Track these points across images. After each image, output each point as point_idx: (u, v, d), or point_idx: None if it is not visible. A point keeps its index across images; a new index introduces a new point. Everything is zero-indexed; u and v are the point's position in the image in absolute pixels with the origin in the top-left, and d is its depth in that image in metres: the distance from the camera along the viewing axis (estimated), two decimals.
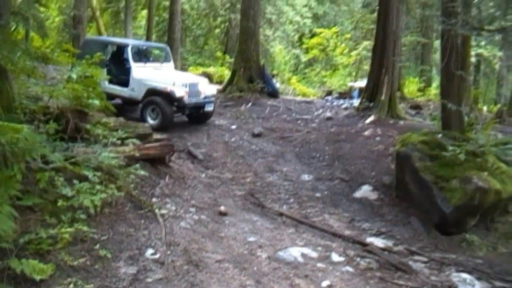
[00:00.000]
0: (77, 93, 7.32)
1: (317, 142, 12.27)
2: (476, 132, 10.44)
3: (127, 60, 12.65)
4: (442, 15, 10.06)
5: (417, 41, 25.22)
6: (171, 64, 13.59)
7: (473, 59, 24.38)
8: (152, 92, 11.85)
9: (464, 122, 10.50)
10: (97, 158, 6.29)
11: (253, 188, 9.45)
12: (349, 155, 11.41)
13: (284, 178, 10.25)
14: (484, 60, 27.41)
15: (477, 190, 8.16)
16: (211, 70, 23.23)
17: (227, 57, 25.79)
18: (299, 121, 14.36)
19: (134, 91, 12.24)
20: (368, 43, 23.62)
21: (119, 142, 7.19)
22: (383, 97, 14.68)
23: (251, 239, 6.66)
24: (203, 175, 9.52)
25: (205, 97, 12.48)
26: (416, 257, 7.23)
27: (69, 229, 5.09)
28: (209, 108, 12.76)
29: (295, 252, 6.37)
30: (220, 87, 17.99)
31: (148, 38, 24.49)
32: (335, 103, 18.03)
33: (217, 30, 32.51)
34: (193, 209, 7.38)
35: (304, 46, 31.20)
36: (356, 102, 16.94)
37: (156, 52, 15.60)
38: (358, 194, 9.71)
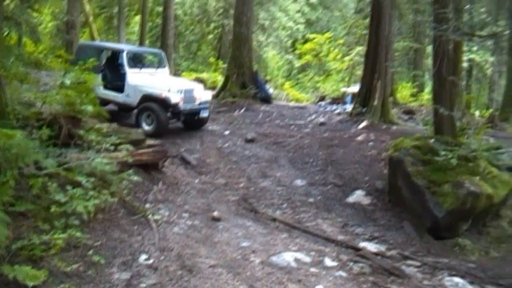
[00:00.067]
0: (70, 99, 7.32)
1: (310, 147, 12.29)
2: (468, 137, 10.51)
3: (122, 65, 12.57)
4: (433, 21, 10.14)
5: (409, 46, 25.34)
6: (166, 69, 13.51)
7: (465, 64, 24.56)
8: (147, 98, 11.78)
9: (456, 127, 10.58)
10: (90, 164, 6.28)
11: (246, 194, 9.46)
12: (342, 160, 11.43)
13: (277, 183, 10.26)
14: (476, 65, 27.62)
15: (469, 194, 8.21)
16: (204, 76, 23.20)
17: (220, 62, 25.80)
18: (292, 127, 14.39)
19: (129, 97, 12.18)
20: (361, 49, 23.68)
21: (112, 148, 7.18)
22: (375, 102, 14.74)
23: (245, 244, 6.66)
24: (197, 181, 9.53)
25: (200, 103, 12.41)
26: (409, 262, 7.26)
27: (62, 235, 5.07)
28: (204, 114, 12.73)
29: (288, 257, 6.38)
30: (213, 92, 17.99)
31: (141, 44, 24.47)
32: (328, 109, 18.08)
33: (210, 36, 32.53)
34: (186, 215, 7.39)
35: (297, 51, 31.26)
36: (349, 107, 16.99)
37: (151, 57, 15.53)
38: (351, 199, 9.74)
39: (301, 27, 31.88)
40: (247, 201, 8.99)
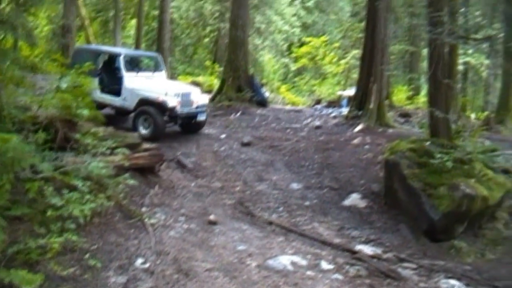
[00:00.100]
0: (66, 102, 7.31)
1: (306, 150, 12.31)
2: (464, 140, 10.54)
3: (119, 69, 12.50)
4: (428, 24, 10.18)
5: (405, 49, 25.41)
6: (163, 73, 13.46)
7: (460, 67, 24.64)
8: (145, 101, 11.76)
9: (451, 129, 10.62)
10: (86, 167, 6.28)
11: (242, 197, 9.46)
12: (338, 163, 11.46)
13: (273, 186, 10.26)
14: (472, 68, 27.69)
15: (465, 197, 8.24)
16: (200, 79, 23.21)
17: (216, 66, 25.78)
18: (288, 130, 14.40)
19: (126, 101, 12.15)
20: (357, 52, 23.73)
21: (108, 151, 7.18)
22: (371, 106, 14.78)
23: (241, 247, 6.67)
24: (193, 184, 9.53)
25: (198, 107, 12.39)
26: (405, 264, 7.28)
27: (58, 239, 5.08)
28: (201, 117, 12.71)
29: (284, 261, 6.39)
30: (209, 96, 17.99)
31: (137, 48, 24.48)
32: (324, 112, 18.11)
33: (206, 40, 32.54)
34: (182, 218, 7.39)
35: (293, 55, 31.30)
36: (345, 110, 17.02)
37: (148, 61, 15.52)
38: (347, 202, 9.75)
39: (297, 30, 31.94)
40: (243, 204, 8.99)
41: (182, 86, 13.70)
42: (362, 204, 9.67)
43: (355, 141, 12.80)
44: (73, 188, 5.90)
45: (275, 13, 29.81)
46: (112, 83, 12.64)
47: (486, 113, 21.64)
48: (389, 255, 7.61)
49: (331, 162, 11.56)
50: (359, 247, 7.72)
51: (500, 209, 9.08)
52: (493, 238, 8.53)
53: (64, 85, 7.63)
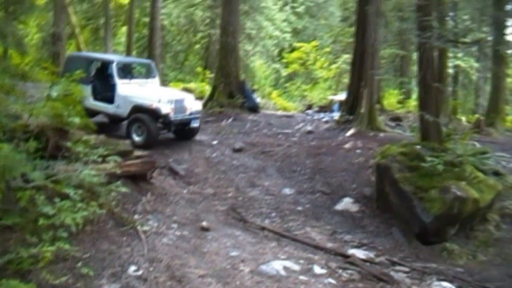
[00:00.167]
0: (57, 111, 7.29)
1: (298, 156, 12.34)
2: (455, 143, 10.61)
3: (112, 76, 12.48)
4: (417, 29, 10.24)
5: (396, 53, 25.54)
6: (156, 80, 13.44)
7: (450, 71, 24.78)
8: (138, 109, 11.72)
9: (442, 133, 10.69)
10: (78, 176, 6.26)
11: (235, 203, 9.48)
12: (330, 168, 11.49)
13: (265, 192, 10.28)
14: (462, 71, 27.86)
15: (456, 199, 8.30)
16: (191, 85, 23.21)
17: (208, 72, 25.79)
18: (280, 136, 14.43)
19: (119, 108, 12.12)
20: (347, 57, 23.80)
21: (100, 159, 7.16)
22: (362, 110, 14.82)
23: (234, 253, 6.68)
24: (185, 191, 9.53)
25: (191, 113, 12.36)
26: (398, 267, 7.33)
27: (50, 248, 5.05)
28: (195, 124, 12.69)
29: (277, 266, 6.40)
30: (201, 102, 17.99)
31: (128, 55, 24.46)
32: (315, 117, 18.15)
33: (197, 46, 32.55)
34: (175, 225, 7.39)
35: (284, 60, 31.35)
36: (336, 115, 17.06)
37: (141, 68, 15.45)
38: (339, 206, 9.79)
39: (288, 36, 31.99)
40: (235, 210, 9.00)
41: (175, 92, 13.67)
42: (354, 208, 9.71)
43: (347, 145, 12.84)
44: (65, 197, 5.87)
45: (266, 19, 29.86)
46: (105, 91, 12.61)
47: (476, 116, 21.77)
48: (381, 258, 7.65)
49: (323, 166, 11.59)
50: (351, 251, 7.75)
51: (491, 211, 9.14)
52: (485, 240, 8.59)
53: (55, 93, 7.61)
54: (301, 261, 6.79)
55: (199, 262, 6.16)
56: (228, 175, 10.95)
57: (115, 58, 13.55)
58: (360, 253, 7.67)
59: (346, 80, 22.20)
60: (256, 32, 29.43)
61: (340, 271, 6.72)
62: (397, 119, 18.67)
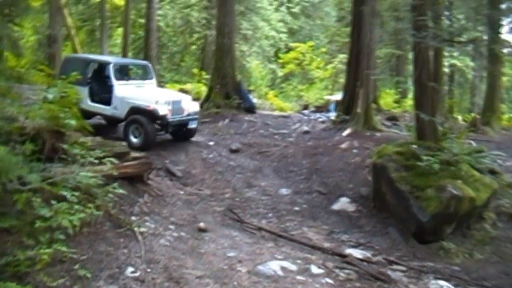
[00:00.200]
0: (54, 113, 7.29)
1: (295, 156, 12.36)
2: (451, 142, 10.63)
3: (109, 78, 12.49)
4: (412, 28, 10.26)
5: (391, 53, 25.59)
6: (153, 81, 13.44)
7: (446, 70, 24.85)
8: (135, 110, 11.71)
9: (438, 132, 10.70)
10: (75, 178, 6.26)
11: (232, 204, 9.49)
12: (327, 168, 11.51)
13: (262, 193, 10.30)
14: (458, 70, 27.94)
15: (452, 198, 8.32)
16: (188, 87, 23.23)
17: (204, 73, 25.83)
18: (276, 136, 14.46)
19: (117, 110, 12.11)
20: (343, 57, 23.89)
21: (96, 161, 7.17)
22: (359, 110, 14.85)
23: (231, 254, 6.68)
24: (182, 192, 9.54)
25: (189, 114, 12.37)
26: (395, 267, 7.34)
27: (47, 250, 5.04)
28: (192, 125, 12.69)
29: (274, 266, 6.39)
30: (198, 103, 18.00)
31: (124, 56, 24.47)
32: (312, 117, 18.20)
33: (193, 47, 32.59)
34: (172, 226, 7.39)
35: (280, 60, 31.43)
36: (333, 115, 17.10)
37: (138, 69, 15.38)
38: (336, 206, 9.81)
39: (284, 36, 32.05)
40: (232, 211, 9.01)
41: (172, 94, 13.67)
42: (351, 208, 9.72)
43: (343, 145, 12.86)
44: (61, 199, 5.87)
45: (262, 19, 29.93)
46: (103, 92, 12.62)
47: (472, 114, 21.84)
48: (378, 258, 7.65)
49: (320, 167, 11.62)
50: (348, 251, 7.75)
51: (487, 210, 9.16)
52: (481, 238, 8.61)
53: (51, 96, 7.61)
54: (298, 261, 6.79)
55: (196, 263, 6.16)
56: (225, 176, 10.97)
57: (112, 59, 13.55)
58: (357, 253, 7.67)
59: (342, 80, 22.20)
60: (252, 33, 29.49)
61: (337, 270, 6.72)
62: (393, 118, 18.72)
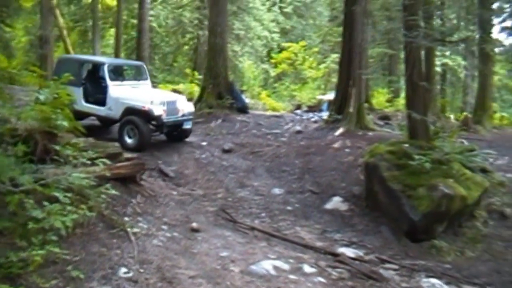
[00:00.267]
0: (46, 114, 7.28)
1: (287, 156, 12.39)
2: (443, 140, 10.69)
3: (103, 78, 12.45)
4: (404, 28, 10.31)
5: (384, 52, 25.68)
6: (148, 81, 13.40)
7: (438, 69, 24.95)
8: (130, 111, 11.67)
9: (429, 131, 10.76)
10: (67, 179, 6.25)
11: (224, 204, 9.51)
12: (319, 167, 11.54)
13: (255, 192, 10.32)
14: (450, 70, 28.06)
15: (444, 197, 8.37)
16: (180, 87, 23.21)
17: (196, 73, 25.83)
18: (269, 136, 14.48)
19: (111, 110, 12.07)
20: (336, 56, 23.93)
21: (89, 162, 7.16)
22: (351, 109, 14.89)
23: (224, 254, 6.70)
24: (175, 193, 9.54)
25: (184, 115, 12.35)
26: (387, 265, 7.37)
27: (40, 252, 5.04)
28: (187, 126, 12.68)
29: (267, 265, 6.42)
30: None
31: (116, 57, 24.42)
32: (304, 117, 18.24)
33: (186, 47, 32.57)
34: (165, 227, 7.40)
35: (272, 60, 31.45)
36: (325, 115, 17.15)
37: (133, 70, 15.40)
38: (329, 205, 9.84)
39: (276, 36, 32.10)
40: (225, 211, 9.03)
41: (167, 94, 13.64)
42: (343, 207, 9.76)
43: (336, 144, 12.90)
44: (54, 200, 5.86)
45: (254, 19, 29.95)
46: (97, 93, 12.59)
47: (465, 113, 21.95)
48: (371, 256, 7.69)
49: (312, 166, 11.65)
50: (341, 249, 7.79)
51: (478, 208, 9.22)
52: (473, 236, 8.66)
53: (43, 97, 7.59)
54: (291, 261, 6.82)
55: (189, 263, 6.18)
56: (218, 176, 10.98)
57: (107, 60, 13.52)
58: (349, 252, 7.71)
59: (334, 79, 22.28)
60: (244, 33, 29.50)
61: (330, 269, 6.75)
62: (385, 117, 18.78)
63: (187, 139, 13.14)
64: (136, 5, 26.42)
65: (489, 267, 7.57)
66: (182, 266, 6.01)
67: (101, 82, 12.74)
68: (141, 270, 5.63)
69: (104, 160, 7.37)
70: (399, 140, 11.11)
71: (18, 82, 18.39)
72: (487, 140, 15.91)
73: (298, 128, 15.54)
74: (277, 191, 10.50)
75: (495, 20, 18.25)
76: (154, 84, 23.55)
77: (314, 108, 20.41)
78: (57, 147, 7.07)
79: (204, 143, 13.14)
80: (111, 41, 31.96)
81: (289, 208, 9.70)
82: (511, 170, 11.50)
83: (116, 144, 9.38)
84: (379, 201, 9.36)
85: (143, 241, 6.53)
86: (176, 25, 30.31)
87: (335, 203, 9.89)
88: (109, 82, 12.17)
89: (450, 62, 26.66)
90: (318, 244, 7.99)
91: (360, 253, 7.79)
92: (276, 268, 6.42)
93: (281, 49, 31.44)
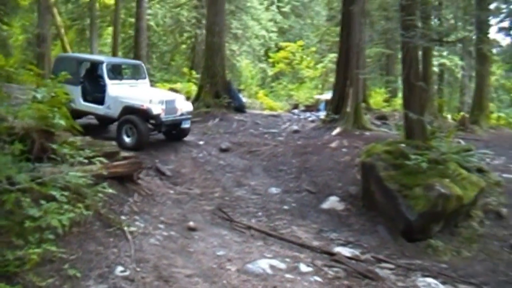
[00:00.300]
0: (43, 113, 7.27)
1: (285, 155, 12.40)
2: (440, 140, 10.71)
3: (102, 77, 12.44)
4: (401, 28, 10.33)
5: (381, 52, 25.70)
6: (146, 80, 13.41)
7: (436, 69, 24.97)
8: (129, 109, 11.66)
9: (426, 131, 10.78)
10: (64, 177, 6.25)
11: (221, 203, 9.52)
12: (316, 167, 11.56)
13: (252, 192, 10.34)
14: (447, 69, 28.10)
15: (440, 196, 8.39)
16: (178, 86, 23.21)
17: (194, 72, 25.83)
18: (266, 135, 14.50)
19: (110, 109, 12.06)
20: (333, 56, 23.94)
21: (86, 161, 7.16)
22: (348, 109, 14.91)
23: (220, 253, 6.72)
24: (172, 192, 9.55)
25: (182, 114, 12.35)
26: (383, 265, 7.40)
27: (37, 250, 5.04)
28: (186, 125, 12.67)
29: (263, 264, 6.44)
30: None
31: (114, 55, 24.40)
32: (302, 116, 18.26)
33: (183, 46, 32.57)
34: (162, 226, 7.40)
35: (270, 60, 31.47)
36: (322, 114, 17.16)
37: (131, 69, 15.37)
38: (325, 205, 9.86)
39: (274, 35, 32.11)
40: (222, 210, 9.03)
41: (166, 93, 13.63)
42: (340, 206, 9.77)
43: (333, 144, 12.91)
44: (51, 199, 5.85)
45: (252, 18, 29.95)
46: (95, 91, 12.57)
47: (462, 113, 21.98)
48: (367, 256, 7.72)
49: (309, 166, 11.66)
50: (337, 249, 7.80)
51: (474, 208, 9.24)
52: (469, 236, 8.69)
53: (40, 95, 7.58)
54: (287, 260, 6.84)
55: (186, 262, 6.19)
56: (215, 175, 11.00)
57: (105, 59, 13.49)
58: (346, 251, 7.73)
59: (332, 79, 22.29)
60: (242, 32, 29.51)
61: (326, 269, 6.78)
62: (383, 117, 18.79)
63: (185, 138, 13.13)
64: (134, 4, 26.37)
65: (485, 267, 7.61)
66: (178, 265, 6.02)
67: (99, 81, 12.73)
68: (138, 269, 5.64)
69: (101, 159, 7.35)
70: (396, 140, 11.13)
71: (16, 80, 18.41)
72: (484, 140, 15.94)
73: (295, 127, 15.55)
74: (274, 190, 10.51)
75: (493, 21, 18.26)
76: (152, 83, 23.60)
77: (312, 107, 20.42)
78: (54, 146, 7.06)
79: (201, 142, 13.15)
80: (109, 39, 31.93)
81: (285, 207, 9.71)
82: (507, 170, 11.53)
83: (113, 143, 9.40)
84: (375, 200, 9.38)
85: (140, 240, 6.54)
86: (174, 24, 30.30)
87: (332, 202, 9.90)
88: (107, 81, 12.15)
89: (447, 62, 26.72)
90: (315, 243, 8.01)
91: (356, 252, 7.80)
92: (272, 267, 6.44)
93: (279, 49, 31.46)
